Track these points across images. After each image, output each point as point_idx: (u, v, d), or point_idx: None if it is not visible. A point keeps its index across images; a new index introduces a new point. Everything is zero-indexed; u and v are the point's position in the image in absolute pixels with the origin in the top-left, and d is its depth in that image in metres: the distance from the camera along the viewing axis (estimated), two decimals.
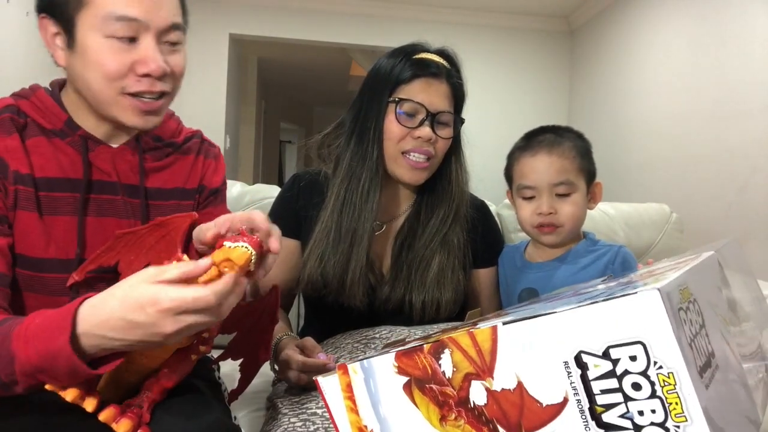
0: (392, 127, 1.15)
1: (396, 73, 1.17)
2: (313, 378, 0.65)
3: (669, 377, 0.45)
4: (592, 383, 0.48)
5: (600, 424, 0.48)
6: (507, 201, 1.45)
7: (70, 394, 0.70)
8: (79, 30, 0.83)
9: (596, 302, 0.48)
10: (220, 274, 0.70)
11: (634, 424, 0.47)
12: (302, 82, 7.54)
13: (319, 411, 0.88)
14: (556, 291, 0.97)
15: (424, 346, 0.56)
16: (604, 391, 0.48)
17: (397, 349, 0.58)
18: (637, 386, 0.47)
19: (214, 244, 0.75)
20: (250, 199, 1.61)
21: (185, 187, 0.99)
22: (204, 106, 4.06)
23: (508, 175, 1.28)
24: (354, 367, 0.60)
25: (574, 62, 4.68)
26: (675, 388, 0.45)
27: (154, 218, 0.86)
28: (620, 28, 3.98)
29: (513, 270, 1.29)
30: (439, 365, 0.55)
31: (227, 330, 0.89)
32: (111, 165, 0.91)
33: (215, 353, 0.97)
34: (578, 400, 0.49)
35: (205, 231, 0.77)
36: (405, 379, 0.57)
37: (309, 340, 1.04)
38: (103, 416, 0.71)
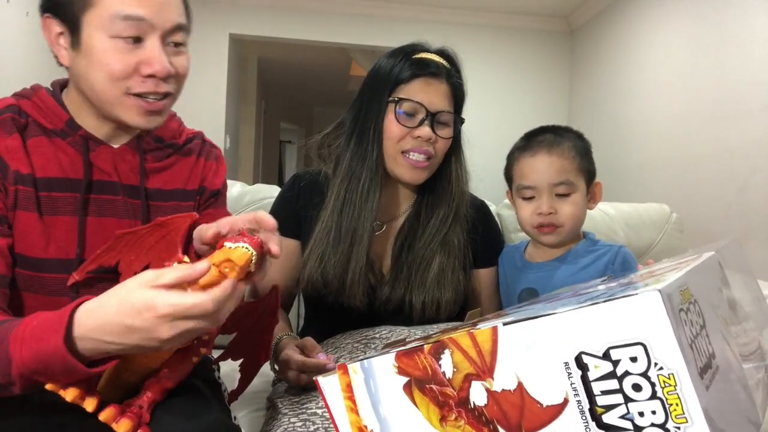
0: (392, 126, 1.15)
1: (396, 72, 1.17)
2: (313, 378, 0.65)
3: (669, 378, 0.45)
4: (593, 384, 0.48)
5: (600, 425, 0.48)
6: (507, 201, 1.45)
7: (70, 394, 0.70)
8: (84, 30, 0.83)
9: (597, 303, 0.48)
10: (220, 275, 0.70)
11: (634, 425, 0.47)
12: (302, 82, 7.54)
13: (319, 411, 0.88)
14: (556, 291, 0.96)
15: (425, 346, 0.56)
16: (604, 392, 0.48)
17: (397, 350, 0.58)
18: (637, 387, 0.47)
19: (214, 244, 0.75)
20: (250, 199, 1.61)
21: (185, 189, 0.99)
22: (204, 106, 4.06)
23: (508, 175, 1.28)
24: (354, 367, 0.60)
25: (574, 62, 4.68)
26: (675, 389, 0.45)
27: (155, 219, 0.86)
28: (620, 28, 3.98)
29: (513, 270, 1.29)
30: (440, 366, 0.55)
31: (227, 330, 0.89)
32: (111, 165, 0.91)
33: (215, 353, 0.97)
34: (578, 401, 0.49)
35: (206, 231, 0.77)
36: (405, 379, 0.57)
37: (309, 340, 1.04)
38: (103, 416, 0.71)
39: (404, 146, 1.16)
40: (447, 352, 0.55)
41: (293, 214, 1.24)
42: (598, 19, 4.30)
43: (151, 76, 0.84)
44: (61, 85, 0.93)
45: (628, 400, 0.47)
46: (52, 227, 0.87)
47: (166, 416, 0.77)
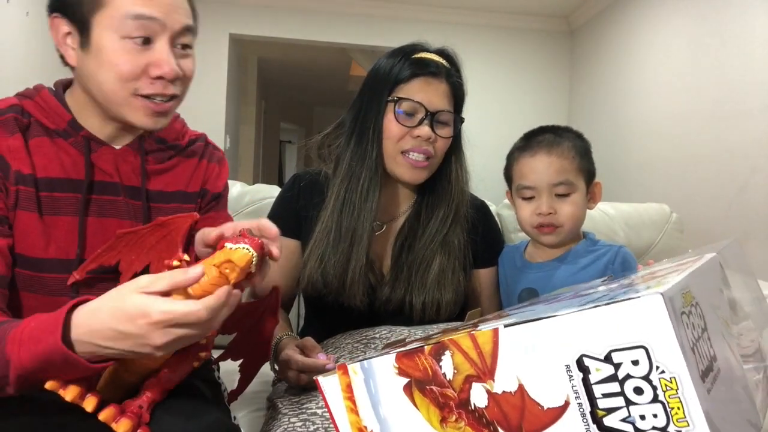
0: (391, 126, 1.15)
1: (395, 72, 1.17)
2: (314, 378, 0.65)
3: (671, 382, 0.45)
4: (594, 387, 0.48)
5: (601, 427, 0.48)
6: (507, 201, 1.45)
7: (69, 394, 0.70)
8: (94, 30, 0.83)
9: (598, 306, 0.48)
10: (221, 276, 0.70)
11: (635, 428, 0.47)
12: (302, 82, 7.54)
13: (319, 411, 0.88)
14: (556, 291, 0.96)
15: (425, 347, 0.56)
16: (605, 395, 0.48)
17: (397, 350, 0.58)
18: (639, 390, 0.46)
19: (215, 247, 0.75)
20: (250, 199, 1.61)
21: (187, 191, 0.99)
22: (204, 106, 4.06)
23: (508, 175, 1.28)
24: (354, 368, 0.60)
25: (574, 62, 4.68)
26: (677, 393, 0.45)
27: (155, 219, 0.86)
28: (620, 28, 3.98)
29: (513, 270, 1.29)
30: (440, 367, 0.55)
31: (227, 330, 0.89)
32: (113, 166, 0.92)
33: (215, 353, 0.97)
34: (579, 404, 0.49)
35: (209, 234, 0.78)
36: (405, 380, 0.57)
37: (309, 340, 1.04)
38: (102, 416, 0.71)
39: (404, 146, 1.15)
40: (447, 353, 0.55)
41: (293, 214, 1.24)
42: (598, 19, 4.30)
43: (159, 77, 0.85)
44: (64, 86, 0.94)
45: (629, 403, 0.47)
46: (53, 227, 0.87)
47: (165, 416, 0.77)
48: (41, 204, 0.86)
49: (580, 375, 0.48)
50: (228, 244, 0.72)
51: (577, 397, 0.49)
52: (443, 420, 0.55)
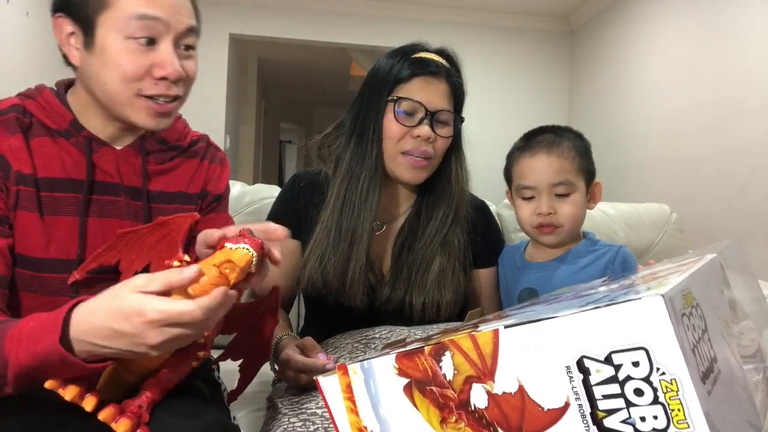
0: (391, 126, 1.15)
1: (395, 72, 1.16)
2: (314, 378, 0.65)
3: (672, 384, 0.45)
4: (594, 388, 0.48)
5: (602, 429, 0.48)
6: (507, 201, 1.45)
7: (69, 393, 0.70)
8: (99, 30, 0.83)
9: (599, 307, 0.48)
10: (221, 275, 0.70)
11: (635, 429, 0.47)
12: (302, 82, 7.54)
13: (319, 411, 0.88)
14: (556, 291, 0.96)
15: (425, 348, 0.56)
16: (605, 397, 0.48)
17: (397, 351, 0.58)
18: (639, 392, 0.46)
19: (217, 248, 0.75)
20: (250, 199, 1.60)
21: (187, 192, 0.99)
22: (204, 106, 4.06)
23: (508, 175, 1.28)
24: (354, 368, 0.60)
25: (574, 62, 4.68)
26: (677, 395, 0.45)
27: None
28: (620, 28, 3.98)
29: (513, 270, 1.29)
30: (440, 367, 0.55)
31: (227, 330, 0.89)
32: (114, 166, 0.92)
33: (215, 353, 0.97)
34: (580, 405, 0.49)
35: (211, 235, 0.78)
36: (405, 380, 0.57)
37: (309, 340, 1.04)
38: (102, 415, 0.71)
39: (403, 147, 1.15)
40: (448, 354, 0.55)
41: (294, 214, 1.24)
42: (598, 19, 4.30)
43: (163, 78, 0.85)
44: (66, 86, 0.94)
45: (629, 404, 0.47)
46: (54, 227, 0.87)
47: (165, 416, 0.76)
48: (42, 204, 0.86)
49: (581, 376, 0.48)
50: (228, 244, 0.72)
51: (578, 399, 0.49)
52: (443, 421, 0.55)
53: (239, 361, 0.95)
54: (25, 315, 0.72)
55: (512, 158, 1.26)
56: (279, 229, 0.77)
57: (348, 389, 0.60)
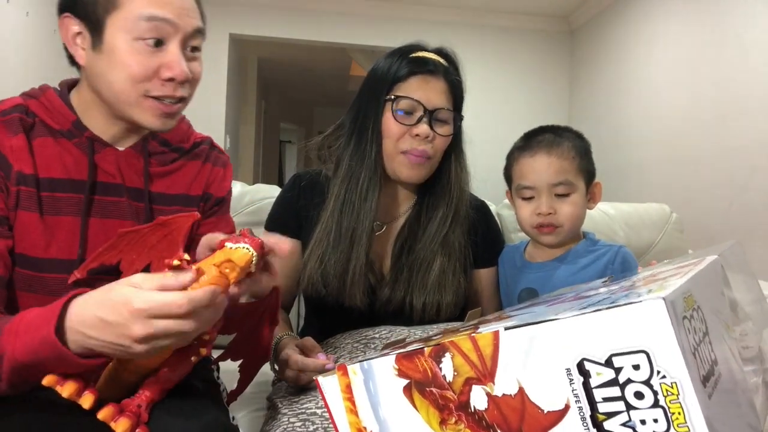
0: (390, 125, 1.15)
1: (393, 71, 1.16)
2: (314, 378, 0.65)
3: (672, 387, 0.45)
4: (594, 391, 0.48)
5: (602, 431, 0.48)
6: (507, 201, 1.45)
7: (67, 390, 0.70)
8: (107, 31, 0.84)
9: (600, 310, 0.48)
10: (221, 275, 0.70)
11: None
12: (302, 82, 7.54)
13: (318, 411, 0.88)
14: (556, 291, 0.96)
15: (425, 349, 0.56)
16: (606, 399, 0.48)
17: (397, 352, 0.58)
18: (639, 395, 0.46)
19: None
20: (250, 199, 1.60)
21: (189, 194, 0.99)
22: (204, 106, 4.05)
23: (508, 175, 1.28)
24: (354, 369, 0.60)
25: (574, 62, 4.68)
26: (678, 398, 0.45)
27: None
28: (620, 28, 3.98)
29: (513, 270, 1.29)
30: (440, 369, 0.55)
31: (227, 331, 0.89)
32: (116, 167, 0.92)
33: (215, 353, 0.97)
34: (580, 408, 0.48)
35: (213, 239, 0.78)
36: (405, 381, 0.57)
37: (309, 340, 1.04)
38: (101, 415, 0.71)
39: (403, 146, 1.15)
40: (448, 355, 0.54)
41: (294, 214, 1.24)
42: (598, 19, 4.30)
43: (170, 79, 0.85)
44: (69, 86, 0.94)
45: (629, 407, 0.47)
46: (54, 227, 0.87)
47: (164, 416, 0.76)
48: (42, 204, 0.86)
49: (581, 379, 0.48)
50: (228, 244, 0.72)
51: (578, 401, 0.48)
52: (443, 422, 0.55)
53: (239, 362, 0.95)
54: None
55: (512, 158, 1.26)
56: (281, 243, 0.77)
57: (347, 389, 0.60)
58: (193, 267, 0.73)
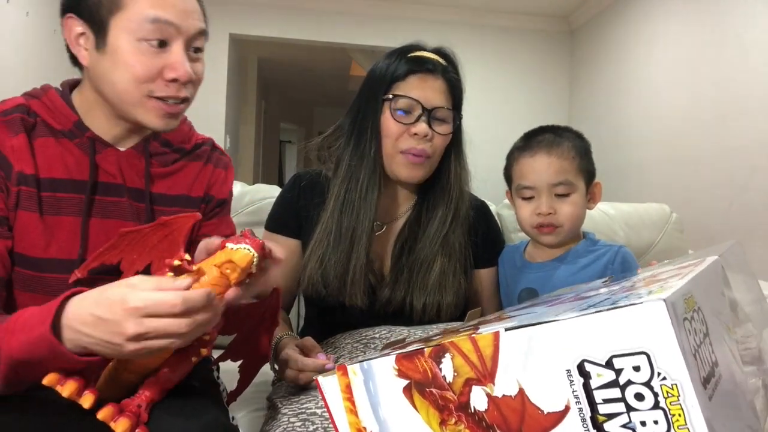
0: (389, 124, 1.15)
1: (391, 70, 1.16)
2: (314, 378, 0.65)
3: (672, 389, 0.45)
4: (595, 392, 0.48)
5: None
6: (507, 201, 1.45)
7: (67, 389, 0.70)
8: (111, 32, 0.84)
9: (600, 311, 0.48)
10: (221, 276, 0.70)
11: None
12: (302, 82, 7.54)
13: (318, 411, 0.88)
14: (556, 291, 0.96)
15: (425, 349, 0.56)
16: (606, 401, 0.48)
17: (397, 352, 0.58)
18: (640, 397, 0.46)
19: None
20: (250, 199, 1.60)
21: (190, 195, 1.00)
22: (204, 106, 4.04)
23: (508, 175, 1.28)
24: (353, 369, 0.60)
25: (574, 62, 4.68)
26: (678, 400, 0.45)
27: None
28: (620, 28, 3.97)
29: (513, 270, 1.29)
30: (440, 369, 0.55)
31: (228, 331, 0.89)
32: (117, 168, 0.92)
33: (215, 353, 0.97)
34: (580, 409, 0.48)
35: (212, 243, 0.78)
36: (405, 382, 0.57)
37: (309, 340, 1.04)
38: (101, 414, 0.71)
39: (402, 146, 1.15)
40: (448, 356, 0.54)
41: (294, 214, 1.24)
42: (598, 19, 4.30)
43: (174, 80, 0.86)
44: (71, 86, 0.94)
45: (630, 409, 0.47)
46: (55, 227, 0.87)
47: (164, 416, 0.77)
48: (42, 204, 0.87)
49: (581, 380, 0.48)
50: (229, 245, 0.72)
51: (578, 402, 0.48)
52: (443, 422, 0.55)
53: (239, 362, 0.95)
54: None
55: (512, 158, 1.26)
56: (276, 251, 0.78)
57: (347, 390, 0.60)
58: (194, 267, 0.73)
